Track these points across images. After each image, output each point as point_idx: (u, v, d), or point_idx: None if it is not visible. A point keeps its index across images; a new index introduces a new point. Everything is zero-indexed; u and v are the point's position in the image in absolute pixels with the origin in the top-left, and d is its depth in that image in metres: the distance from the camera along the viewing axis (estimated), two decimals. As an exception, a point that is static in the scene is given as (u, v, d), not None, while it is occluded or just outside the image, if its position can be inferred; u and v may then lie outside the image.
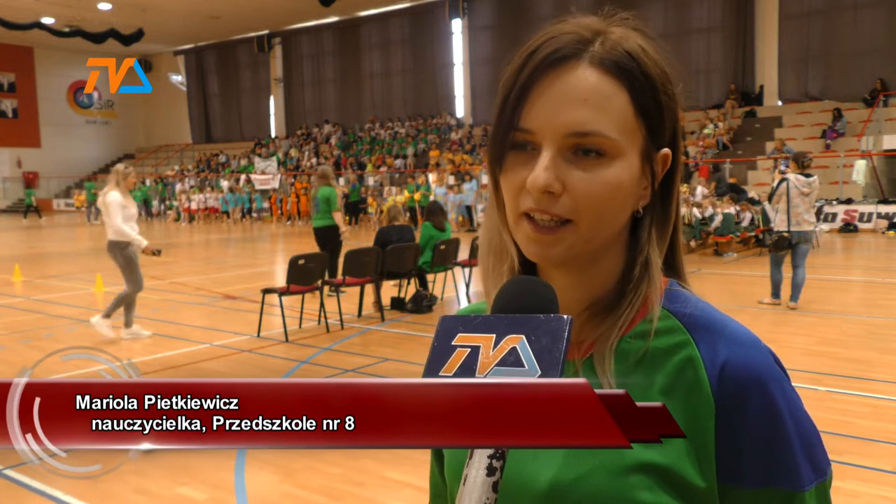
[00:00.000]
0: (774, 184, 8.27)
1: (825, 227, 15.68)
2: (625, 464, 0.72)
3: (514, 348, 0.62)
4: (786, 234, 7.74)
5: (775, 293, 8.17)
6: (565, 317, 0.63)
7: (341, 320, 7.71)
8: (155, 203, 29.85)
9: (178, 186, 29.65)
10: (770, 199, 8.42)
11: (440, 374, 0.63)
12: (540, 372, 0.60)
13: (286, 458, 4.05)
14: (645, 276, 0.78)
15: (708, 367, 0.73)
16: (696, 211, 13.60)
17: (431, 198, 19.66)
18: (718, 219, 12.91)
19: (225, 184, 28.55)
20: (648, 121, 0.75)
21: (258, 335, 7.25)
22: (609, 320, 0.77)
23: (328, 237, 9.18)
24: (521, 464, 0.76)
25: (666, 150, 0.78)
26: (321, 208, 9.17)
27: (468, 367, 0.62)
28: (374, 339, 7.32)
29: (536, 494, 0.75)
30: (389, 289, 8.85)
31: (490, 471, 0.61)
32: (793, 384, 0.76)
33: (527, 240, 0.75)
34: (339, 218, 9.23)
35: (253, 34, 33.85)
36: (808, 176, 7.78)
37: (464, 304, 8.95)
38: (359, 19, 31.17)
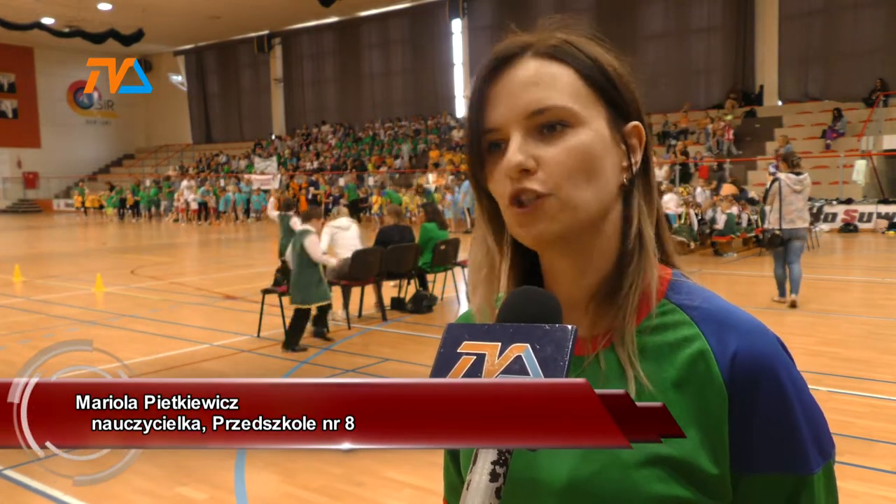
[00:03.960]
0: (768, 185, 8.43)
1: (825, 227, 15.67)
2: (639, 458, 0.73)
3: (518, 357, 0.63)
4: (777, 232, 7.87)
5: (782, 291, 8.23)
6: (570, 327, 0.63)
7: (347, 318, 7.70)
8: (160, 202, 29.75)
9: (179, 186, 29.57)
10: (765, 199, 8.58)
11: (445, 379, 0.63)
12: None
13: (286, 458, 4.05)
14: (640, 248, 0.79)
15: (719, 358, 0.75)
16: (692, 213, 13.58)
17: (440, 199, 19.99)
18: (723, 219, 12.88)
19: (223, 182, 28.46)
20: (603, 92, 0.78)
21: (258, 335, 7.24)
22: (616, 306, 0.78)
23: None
24: (536, 461, 0.77)
25: (636, 122, 0.80)
26: None
27: (474, 375, 0.63)
28: (374, 339, 7.32)
29: (553, 491, 0.76)
30: (389, 289, 8.84)
31: (493, 476, 0.61)
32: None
33: (517, 224, 0.77)
34: None
35: (253, 34, 33.81)
36: (798, 174, 7.89)
37: (464, 304, 8.95)
38: (359, 19, 31.15)
